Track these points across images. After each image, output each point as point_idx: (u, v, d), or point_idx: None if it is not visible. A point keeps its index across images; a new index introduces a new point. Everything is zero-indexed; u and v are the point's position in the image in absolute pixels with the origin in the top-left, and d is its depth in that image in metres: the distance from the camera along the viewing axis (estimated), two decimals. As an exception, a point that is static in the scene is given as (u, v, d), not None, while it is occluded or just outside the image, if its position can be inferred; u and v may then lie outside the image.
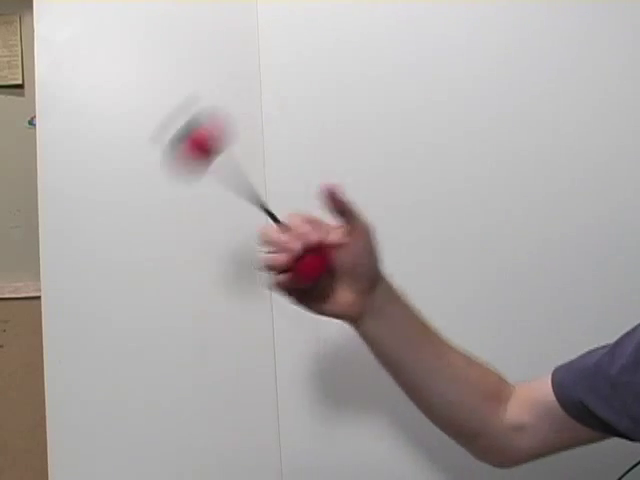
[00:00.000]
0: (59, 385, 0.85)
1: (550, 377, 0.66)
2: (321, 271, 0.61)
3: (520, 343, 0.86)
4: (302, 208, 0.87)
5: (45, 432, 0.85)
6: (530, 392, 0.67)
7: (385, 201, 0.88)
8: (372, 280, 0.63)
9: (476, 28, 0.90)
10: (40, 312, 0.86)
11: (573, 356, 0.67)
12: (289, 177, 0.88)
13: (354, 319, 0.64)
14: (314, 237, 0.59)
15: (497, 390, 0.67)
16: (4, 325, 1.83)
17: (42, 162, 0.87)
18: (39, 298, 0.86)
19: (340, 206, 0.62)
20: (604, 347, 0.64)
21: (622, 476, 0.66)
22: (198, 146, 0.62)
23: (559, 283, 0.87)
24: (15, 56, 1.83)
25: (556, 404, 0.64)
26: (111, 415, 0.85)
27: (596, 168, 0.89)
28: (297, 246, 0.58)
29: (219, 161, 0.64)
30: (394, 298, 0.65)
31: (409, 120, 0.89)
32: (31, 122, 1.78)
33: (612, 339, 0.64)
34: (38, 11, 0.89)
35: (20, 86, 1.84)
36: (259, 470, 0.87)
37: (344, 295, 0.63)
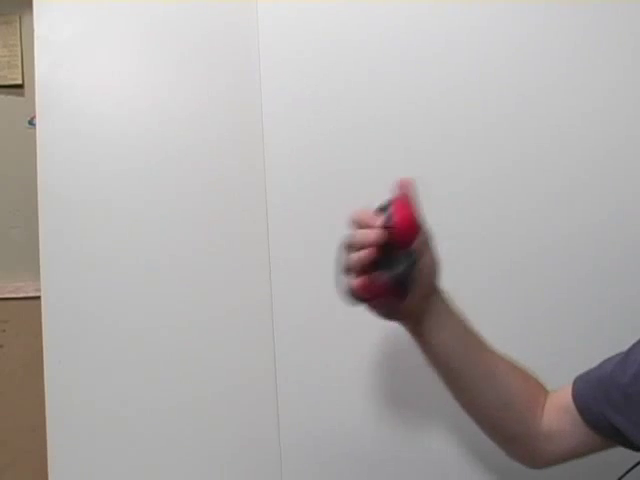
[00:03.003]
0: (59, 385, 0.85)
1: (572, 386, 0.67)
2: (414, 226, 0.60)
3: (531, 339, 0.86)
4: (302, 208, 0.88)
5: (45, 432, 0.85)
6: (557, 400, 0.68)
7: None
8: (432, 285, 0.65)
9: (477, 28, 0.90)
10: (40, 312, 0.86)
11: (585, 353, 0.68)
12: (289, 177, 0.88)
13: (414, 322, 0.66)
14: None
15: (537, 395, 0.69)
16: (4, 325, 1.82)
17: (42, 162, 0.87)
18: (39, 298, 0.86)
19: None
20: (619, 354, 0.65)
21: (622, 476, 0.66)
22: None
23: (568, 281, 0.88)
24: (15, 56, 1.83)
25: (577, 414, 0.65)
26: (111, 415, 0.85)
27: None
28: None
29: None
30: (449, 306, 0.67)
31: (410, 120, 0.89)
32: (31, 122, 1.78)
33: (625, 336, 0.64)
34: (38, 11, 0.89)
35: (20, 86, 1.83)
36: (259, 470, 0.87)
37: (409, 299, 0.63)
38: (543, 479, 0.79)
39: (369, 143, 0.89)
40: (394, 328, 0.83)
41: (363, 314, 0.86)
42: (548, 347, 0.86)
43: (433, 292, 0.66)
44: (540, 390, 0.70)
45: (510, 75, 0.90)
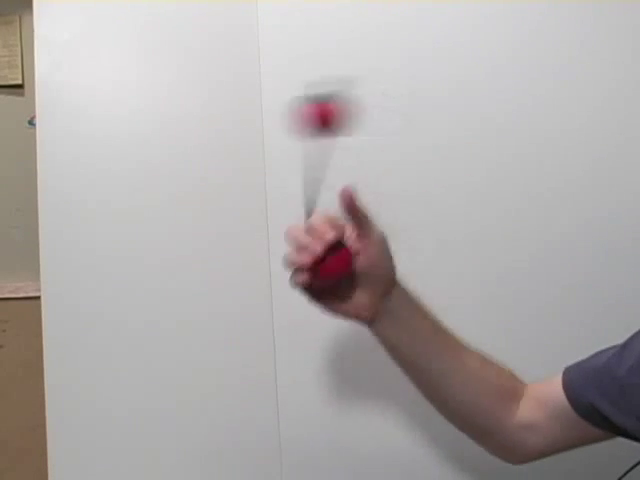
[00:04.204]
0: (59, 385, 0.85)
1: (561, 377, 0.66)
2: (342, 272, 0.62)
3: (525, 340, 0.86)
4: (302, 208, 0.87)
5: (45, 432, 0.85)
6: (541, 392, 0.68)
7: (384, 200, 0.88)
8: (387, 284, 0.65)
9: (478, 28, 0.90)
10: (40, 312, 0.86)
11: (578, 352, 0.67)
12: (289, 178, 0.88)
13: (369, 321, 0.66)
14: (330, 236, 0.60)
15: (510, 389, 0.68)
16: (4, 325, 1.82)
17: (42, 162, 0.87)
18: (39, 298, 0.86)
19: (355, 211, 0.62)
20: (614, 347, 0.64)
21: (622, 476, 0.66)
22: (322, 115, 0.63)
23: (563, 281, 0.88)
24: (15, 56, 1.83)
25: (567, 404, 0.65)
26: (111, 415, 0.85)
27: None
28: (318, 247, 0.60)
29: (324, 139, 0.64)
30: (408, 301, 0.66)
31: (410, 120, 0.89)
32: (31, 122, 1.78)
33: (620, 336, 0.64)
34: (38, 11, 0.89)
35: (20, 86, 1.83)
36: (259, 470, 0.87)
37: (360, 297, 0.64)
38: (543, 479, 0.79)
39: (369, 143, 0.89)
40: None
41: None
42: (542, 346, 0.86)
43: (389, 290, 0.65)
44: (514, 383, 0.69)
45: (510, 75, 0.90)
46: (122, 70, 0.90)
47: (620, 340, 0.64)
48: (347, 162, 0.88)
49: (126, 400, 0.86)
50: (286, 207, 0.88)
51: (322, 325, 0.87)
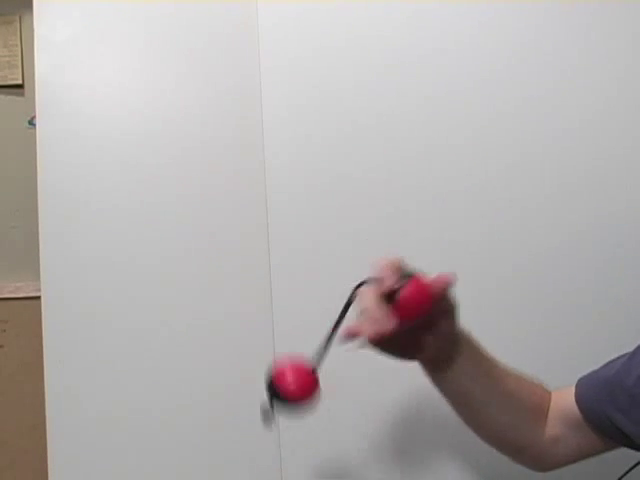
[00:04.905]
0: (59, 385, 0.85)
1: (574, 388, 0.67)
2: (423, 305, 0.57)
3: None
4: (302, 208, 0.88)
5: (45, 432, 0.85)
6: (559, 403, 0.68)
7: (386, 201, 0.88)
8: (451, 337, 0.63)
9: (479, 28, 0.90)
10: (40, 312, 0.86)
11: (587, 353, 0.68)
12: (289, 178, 0.88)
13: (433, 367, 0.65)
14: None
15: (541, 405, 0.69)
16: (4, 325, 1.82)
17: (42, 162, 0.87)
18: (39, 298, 0.86)
19: (443, 298, 0.60)
20: (624, 355, 0.64)
21: (622, 476, 0.66)
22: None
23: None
24: (15, 56, 1.83)
25: (580, 416, 0.65)
26: (111, 415, 0.85)
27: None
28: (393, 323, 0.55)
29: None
30: (467, 348, 0.65)
31: (411, 121, 0.89)
32: (31, 122, 1.78)
33: (629, 337, 0.64)
34: (38, 11, 0.89)
35: (20, 86, 1.83)
36: (259, 471, 0.87)
37: (426, 346, 0.62)
38: (543, 478, 0.79)
39: (369, 143, 0.89)
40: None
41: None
42: (552, 350, 0.86)
43: (453, 341, 0.63)
44: (544, 396, 0.69)
45: (510, 76, 0.90)
46: (122, 70, 0.90)
47: (630, 343, 0.64)
48: (350, 162, 0.88)
49: (126, 400, 0.86)
50: (286, 207, 0.88)
51: (322, 325, 0.87)
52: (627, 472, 0.66)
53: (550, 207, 0.88)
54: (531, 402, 0.68)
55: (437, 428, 0.86)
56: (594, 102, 0.89)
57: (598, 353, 0.69)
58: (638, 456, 0.65)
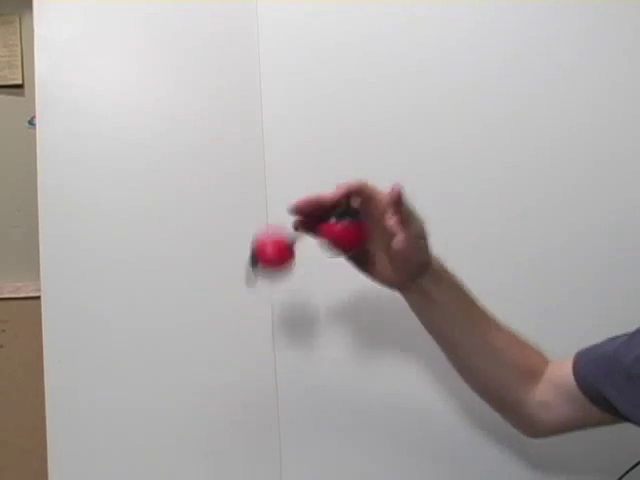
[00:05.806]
0: (59, 385, 0.85)
1: (572, 360, 0.68)
2: (355, 242, 0.66)
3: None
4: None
5: (45, 432, 0.85)
6: (554, 372, 0.70)
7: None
8: (419, 267, 0.66)
9: (478, 29, 0.90)
10: (40, 312, 0.86)
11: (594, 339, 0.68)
12: (289, 178, 0.88)
13: (396, 289, 0.69)
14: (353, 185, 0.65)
15: (535, 369, 0.71)
16: (4, 325, 1.83)
17: (42, 162, 0.87)
18: (39, 298, 0.86)
19: (401, 204, 0.63)
20: (625, 335, 0.65)
21: (622, 476, 0.66)
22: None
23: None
24: (15, 56, 1.83)
25: (576, 388, 0.66)
26: (111, 415, 0.85)
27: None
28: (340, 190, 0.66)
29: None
30: (443, 281, 0.68)
31: (411, 120, 0.89)
32: (31, 122, 1.78)
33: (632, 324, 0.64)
34: (38, 11, 0.89)
35: (20, 86, 1.84)
36: (259, 471, 0.87)
37: (386, 269, 0.67)
38: (543, 478, 0.79)
39: (369, 143, 0.89)
40: (395, 327, 0.83)
41: (364, 314, 0.86)
42: (552, 350, 0.86)
43: (422, 272, 0.66)
44: (539, 361, 0.71)
45: (510, 76, 0.90)
46: (122, 70, 0.90)
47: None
48: (350, 162, 0.88)
49: (126, 400, 0.86)
50: (286, 207, 0.88)
51: (322, 325, 0.87)
52: (627, 472, 0.66)
53: (550, 207, 0.88)
54: (523, 363, 0.70)
55: (438, 430, 0.86)
56: (594, 102, 0.89)
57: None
58: (638, 456, 0.65)
